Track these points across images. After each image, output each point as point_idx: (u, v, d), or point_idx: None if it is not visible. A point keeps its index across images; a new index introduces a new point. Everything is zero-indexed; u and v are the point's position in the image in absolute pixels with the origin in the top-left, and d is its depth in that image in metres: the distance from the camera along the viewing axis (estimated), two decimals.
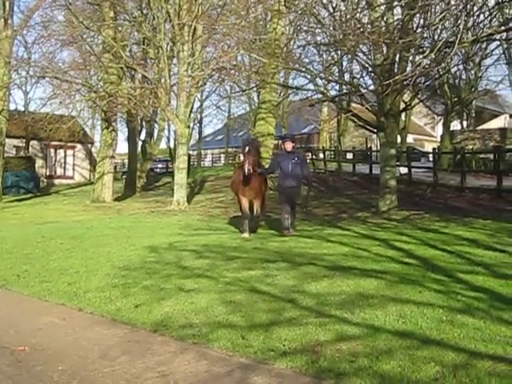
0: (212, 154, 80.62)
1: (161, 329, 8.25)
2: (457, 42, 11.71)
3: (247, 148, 17.02)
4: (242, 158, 17.85)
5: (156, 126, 52.11)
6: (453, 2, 12.60)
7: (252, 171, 16.64)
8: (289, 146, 17.15)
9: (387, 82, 16.88)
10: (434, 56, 12.72)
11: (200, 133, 79.88)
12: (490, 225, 16.40)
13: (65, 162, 58.18)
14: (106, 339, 7.97)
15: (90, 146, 58.68)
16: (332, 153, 49.65)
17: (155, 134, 52.85)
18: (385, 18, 19.33)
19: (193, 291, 10.23)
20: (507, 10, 16.49)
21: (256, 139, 23.62)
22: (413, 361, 6.45)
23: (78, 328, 8.62)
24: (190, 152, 55.38)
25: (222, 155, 76.86)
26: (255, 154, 17.23)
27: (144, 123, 48.33)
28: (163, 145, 64.91)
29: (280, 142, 20.71)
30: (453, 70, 37.68)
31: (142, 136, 50.28)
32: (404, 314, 8.17)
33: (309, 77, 24.72)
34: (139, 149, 47.24)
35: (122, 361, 7.06)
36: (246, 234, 16.82)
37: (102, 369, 6.80)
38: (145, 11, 31.18)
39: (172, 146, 58.73)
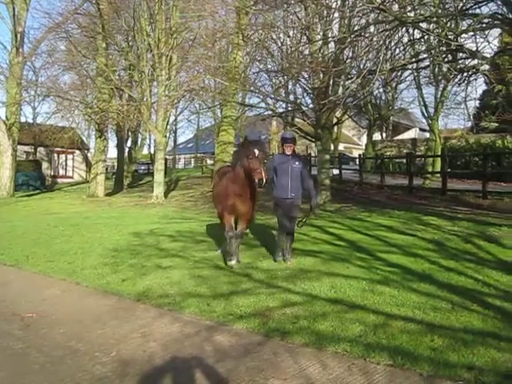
0: (184, 158, 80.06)
1: (143, 298, 8.23)
2: (377, 70, 11.82)
3: (256, 150, 9.43)
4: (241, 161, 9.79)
5: (140, 135, 52.19)
6: (375, 39, 12.68)
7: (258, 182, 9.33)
8: (288, 149, 10.29)
9: (323, 101, 17.05)
10: (359, 81, 12.80)
11: (175, 141, 79.34)
12: (403, 215, 16.60)
13: (66, 165, 57.40)
14: (99, 307, 7.93)
15: (86, 151, 57.77)
16: None
17: (139, 142, 53.07)
18: (321, 51, 19.40)
19: (168, 268, 10.22)
20: (417, 46, 16.66)
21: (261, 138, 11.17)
22: (342, 322, 6.56)
23: (75, 298, 8.58)
24: (167, 156, 54.81)
25: (192, 159, 76.36)
26: (263, 159, 9.64)
27: (130, 133, 48.12)
28: (145, 151, 64.77)
29: (281, 142, 11.64)
30: (375, 93, 38.09)
31: (129, 143, 50.33)
32: (335, 285, 8.28)
33: (261, 97, 24.77)
34: (126, 154, 47.00)
35: (112, 324, 7.05)
36: (234, 262, 10.25)
37: (96, 331, 6.80)
38: (130, 43, 31.01)
39: (152, 151, 58.44)
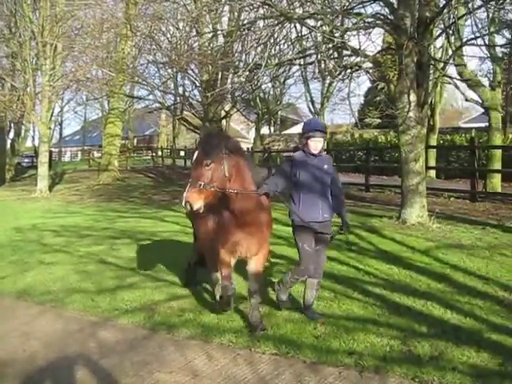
0: (71, 151, 77.93)
1: (24, 296, 7.97)
2: (263, 65, 11.98)
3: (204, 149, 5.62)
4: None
5: (23, 126, 50.06)
6: (263, 34, 12.81)
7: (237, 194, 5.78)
8: (317, 144, 6.44)
9: (210, 94, 17.07)
10: (246, 75, 12.92)
11: (60, 133, 77.13)
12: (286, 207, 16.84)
13: None
14: None
15: None
16: (168, 151, 49.37)
17: (22, 134, 50.77)
18: (211, 44, 19.43)
19: (51, 264, 9.95)
20: (304, 42, 16.97)
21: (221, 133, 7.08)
22: (228, 313, 6.57)
23: None
24: (52, 149, 53.34)
25: (79, 152, 74.41)
26: (239, 159, 5.83)
27: (12, 124, 46.09)
28: (29, 143, 62.34)
29: (302, 137, 6.65)
30: (263, 87, 38.45)
31: (11, 135, 48.10)
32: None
33: (149, 89, 24.55)
34: (8, 146, 45.03)
35: None
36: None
37: None
38: (13, 29, 29.64)
39: (36, 144, 56.36)
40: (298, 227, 6.34)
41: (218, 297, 6.54)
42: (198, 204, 5.40)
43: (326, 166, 6.45)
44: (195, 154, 5.63)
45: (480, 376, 4.66)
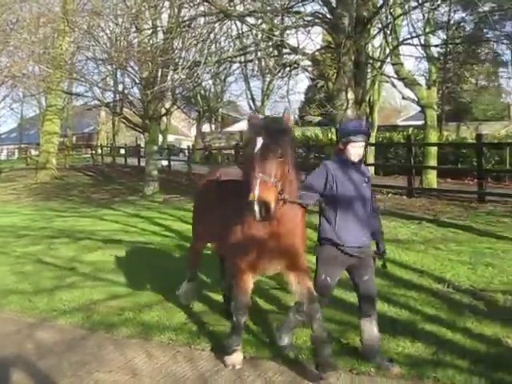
0: (7, 149, 76.10)
1: None
2: (202, 62, 12.00)
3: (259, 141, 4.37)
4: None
5: None
6: (204, 31, 12.82)
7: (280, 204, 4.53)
8: (360, 150, 5.04)
9: (150, 91, 16.98)
10: (186, 72, 12.87)
11: None
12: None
13: None
14: None
15: None
16: (108, 149, 48.73)
17: None
18: (151, 41, 19.26)
19: None
20: (245, 40, 17.03)
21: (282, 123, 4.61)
22: (167, 311, 6.64)
23: None
24: None
25: (16, 150, 72.70)
26: (282, 160, 4.45)
27: None
28: None
29: (341, 138, 5.07)
30: (204, 84, 38.41)
31: None
32: (164, 275, 8.27)
33: (88, 86, 24.17)
34: None
35: None
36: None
37: None
38: None
39: None
40: (328, 253, 5.00)
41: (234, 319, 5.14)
42: (273, 205, 4.20)
43: (366, 179, 5.15)
44: (258, 141, 4.33)
45: (415, 365, 4.82)
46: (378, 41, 23.79)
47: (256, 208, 4.09)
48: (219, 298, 6.63)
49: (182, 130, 68.36)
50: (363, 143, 5.02)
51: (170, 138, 52.80)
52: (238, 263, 4.94)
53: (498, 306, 6.30)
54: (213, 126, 55.50)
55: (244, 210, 4.37)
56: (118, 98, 25.42)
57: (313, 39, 27.68)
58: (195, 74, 13.53)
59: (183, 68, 12.52)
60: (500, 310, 6.12)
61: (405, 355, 5.06)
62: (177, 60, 17.11)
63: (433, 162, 18.35)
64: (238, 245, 4.87)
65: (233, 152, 31.31)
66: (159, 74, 20.47)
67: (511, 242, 9.63)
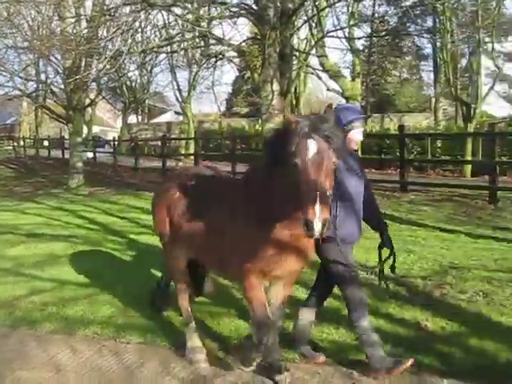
0: None
1: None
2: (125, 51, 11.85)
3: (312, 143, 3.67)
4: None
5: None
6: (129, 20, 12.64)
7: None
8: (360, 136, 4.72)
9: (71, 80, 16.68)
10: (110, 62, 12.68)
11: None
12: None
13: None
14: None
15: None
16: (31, 141, 47.51)
17: None
18: (74, 29, 18.86)
19: None
20: (171, 30, 16.90)
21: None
22: (92, 305, 6.53)
23: None
24: None
25: None
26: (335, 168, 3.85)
27: None
28: None
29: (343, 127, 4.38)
30: (130, 75, 37.92)
31: None
32: (89, 269, 8.14)
33: (8, 75, 23.44)
34: None
35: None
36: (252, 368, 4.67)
37: None
38: None
39: None
40: (337, 244, 4.49)
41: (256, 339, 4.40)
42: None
43: (359, 166, 4.83)
44: (310, 145, 3.65)
45: (340, 351, 4.96)
46: (303, 33, 24.10)
47: (317, 228, 3.50)
48: (145, 290, 6.56)
49: (107, 121, 67.28)
50: (362, 129, 4.73)
51: (96, 129, 51.77)
52: (253, 274, 4.35)
53: (418, 291, 6.53)
54: (139, 117, 54.93)
55: (268, 220, 4.10)
56: (40, 88, 24.80)
57: (239, 30, 27.72)
58: (119, 64, 13.35)
59: (106, 57, 12.33)
60: (420, 296, 6.36)
61: (329, 341, 5.20)
62: (101, 49, 16.84)
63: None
64: (254, 254, 4.27)
65: (159, 143, 31.11)
66: (83, 64, 20.05)
67: (431, 230, 10.01)
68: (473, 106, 21.30)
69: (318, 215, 3.46)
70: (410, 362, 4.38)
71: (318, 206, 3.48)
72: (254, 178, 4.43)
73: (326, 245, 4.48)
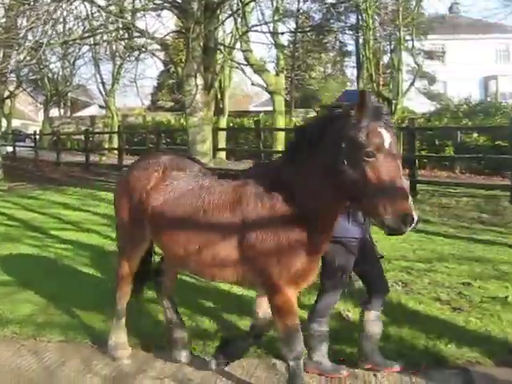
0: None
1: None
2: (45, 42, 11.58)
3: (387, 133, 3.29)
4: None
5: None
6: (51, 10, 12.34)
7: None
8: None
9: None
10: (28, 53, 12.36)
11: None
12: (79, 191, 16.56)
13: None
14: None
15: None
16: None
17: None
18: None
19: None
20: (95, 22, 16.58)
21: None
22: (12, 304, 6.32)
23: None
24: None
25: None
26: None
27: None
28: None
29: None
30: (51, 67, 36.95)
31: None
32: (8, 266, 7.91)
33: None
34: None
35: None
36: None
37: None
38: None
39: None
40: (339, 248, 4.29)
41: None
42: None
43: None
44: (384, 134, 3.28)
45: (267, 341, 4.91)
46: (229, 27, 24.11)
47: (413, 223, 3.17)
48: (66, 287, 6.42)
49: (28, 114, 65.51)
50: None
51: (16, 122, 50.33)
52: (289, 285, 3.84)
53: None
54: (62, 111, 53.74)
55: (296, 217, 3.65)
56: None
57: (164, 23, 27.44)
58: (40, 55, 13.02)
59: (25, 48, 12.00)
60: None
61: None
62: (20, 40, 16.40)
63: (280, 147, 18.91)
64: (295, 263, 3.76)
65: (83, 138, 30.57)
66: (1, 55, 19.48)
67: None
68: (394, 101, 21.87)
69: (411, 209, 3.16)
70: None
71: (410, 199, 3.23)
72: (288, 177, 3.74)
73: (334, 246, 4.17)
